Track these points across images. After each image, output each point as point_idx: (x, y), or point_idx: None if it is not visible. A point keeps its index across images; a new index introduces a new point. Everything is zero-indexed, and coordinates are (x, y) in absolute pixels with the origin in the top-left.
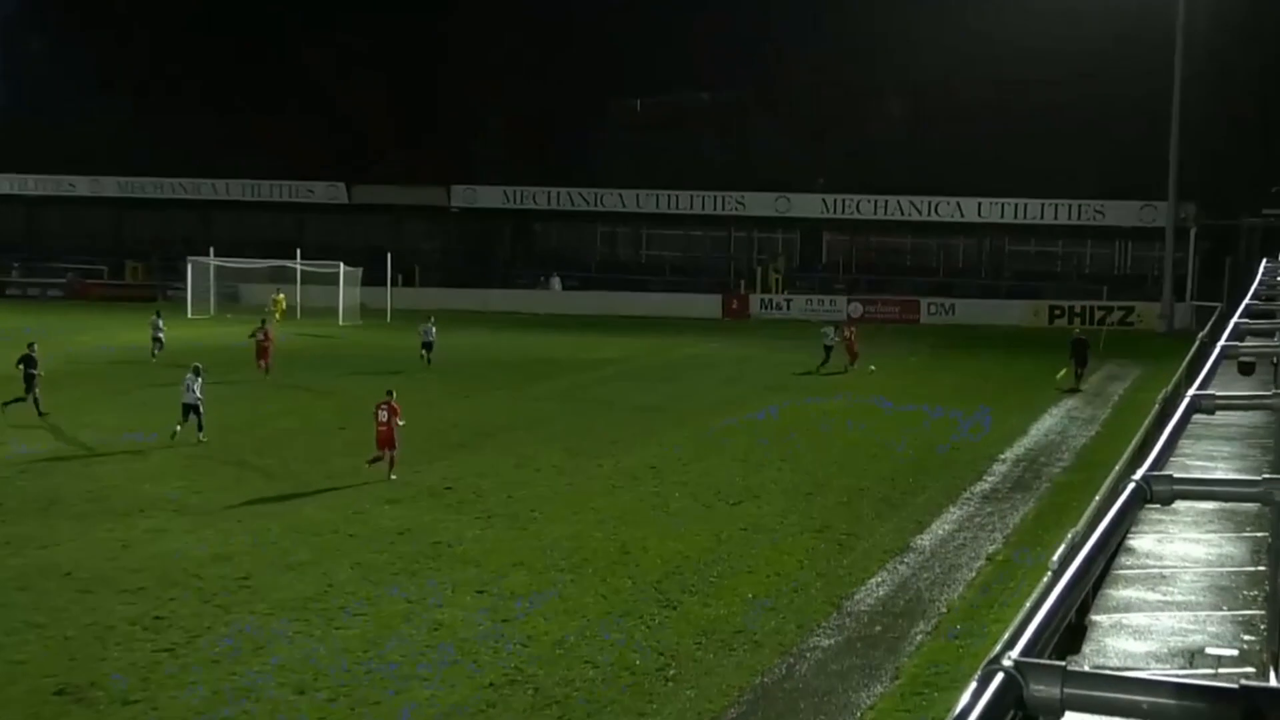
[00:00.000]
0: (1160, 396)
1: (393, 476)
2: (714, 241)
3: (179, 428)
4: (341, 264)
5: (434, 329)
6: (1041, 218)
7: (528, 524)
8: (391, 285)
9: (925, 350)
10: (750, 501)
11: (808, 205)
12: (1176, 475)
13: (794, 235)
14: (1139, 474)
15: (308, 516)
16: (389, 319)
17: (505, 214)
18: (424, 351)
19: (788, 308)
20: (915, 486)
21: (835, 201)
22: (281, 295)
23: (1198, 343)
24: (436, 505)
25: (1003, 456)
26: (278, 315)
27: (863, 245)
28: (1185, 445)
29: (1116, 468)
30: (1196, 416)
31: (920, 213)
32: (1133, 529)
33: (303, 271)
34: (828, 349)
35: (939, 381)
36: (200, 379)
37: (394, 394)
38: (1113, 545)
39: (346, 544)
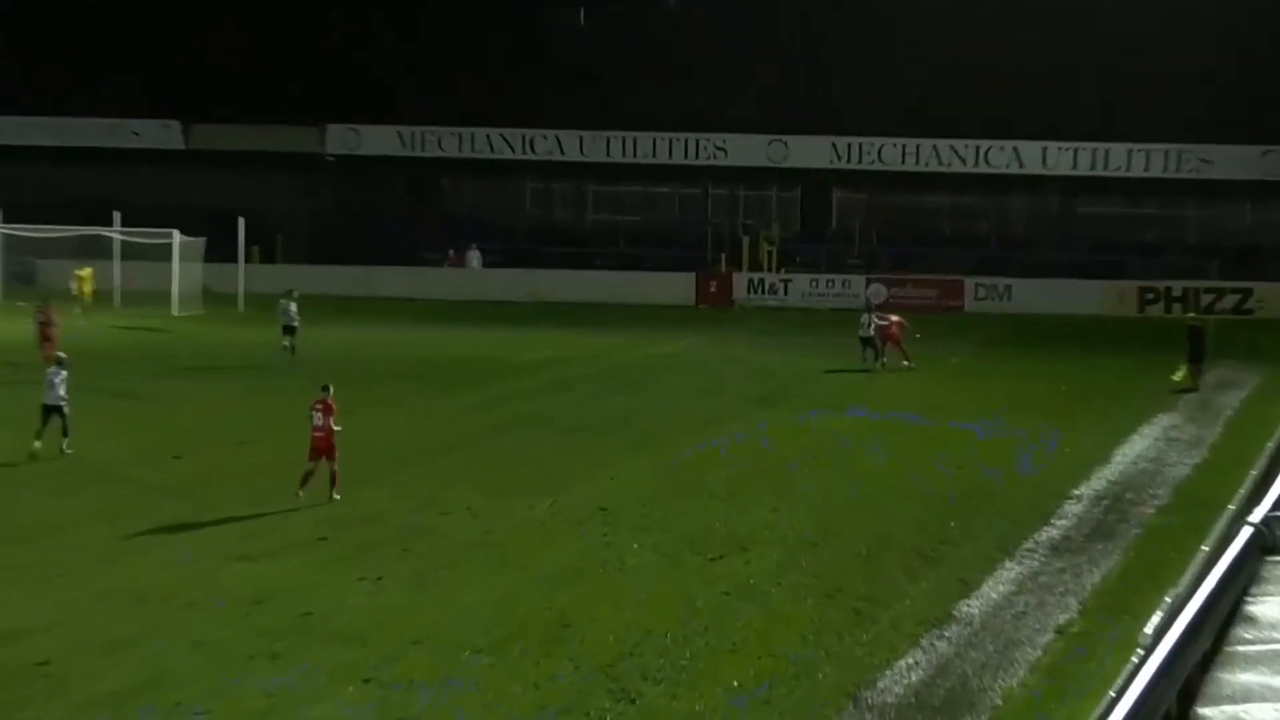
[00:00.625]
0: None
1: (335, 496)
2: (685, 202)
3: (38, 443)
4: (176, 233)
5: (295, 308)
6: (1127, 168)
7: (432, 586)
8: (245, 261)
9: (971, 348)
10: (735, 555)
11: (812, 152)
12: None
13: (793, 193)
14: (1258, 515)
15: (132, 578)
16: (241, 307)
17: (400, 164)
18: (285, 340)
19: (785, 291)
20: (959, 534)
21: (850, 147)
22: (88, 270)
23: None
24: (307, 562)
25: (1077, 493)
26: (84, 296)
27: (887, 207)
28: None
29: (1230, 508)
30: None
31: (965, 162)
32: (1252, 589)
33: (124, 243)
34: (865, 342)
35: (990, 391)
36: (66, 373)
37: (331, 390)
38: (1224, 612)
39: (184, 616)
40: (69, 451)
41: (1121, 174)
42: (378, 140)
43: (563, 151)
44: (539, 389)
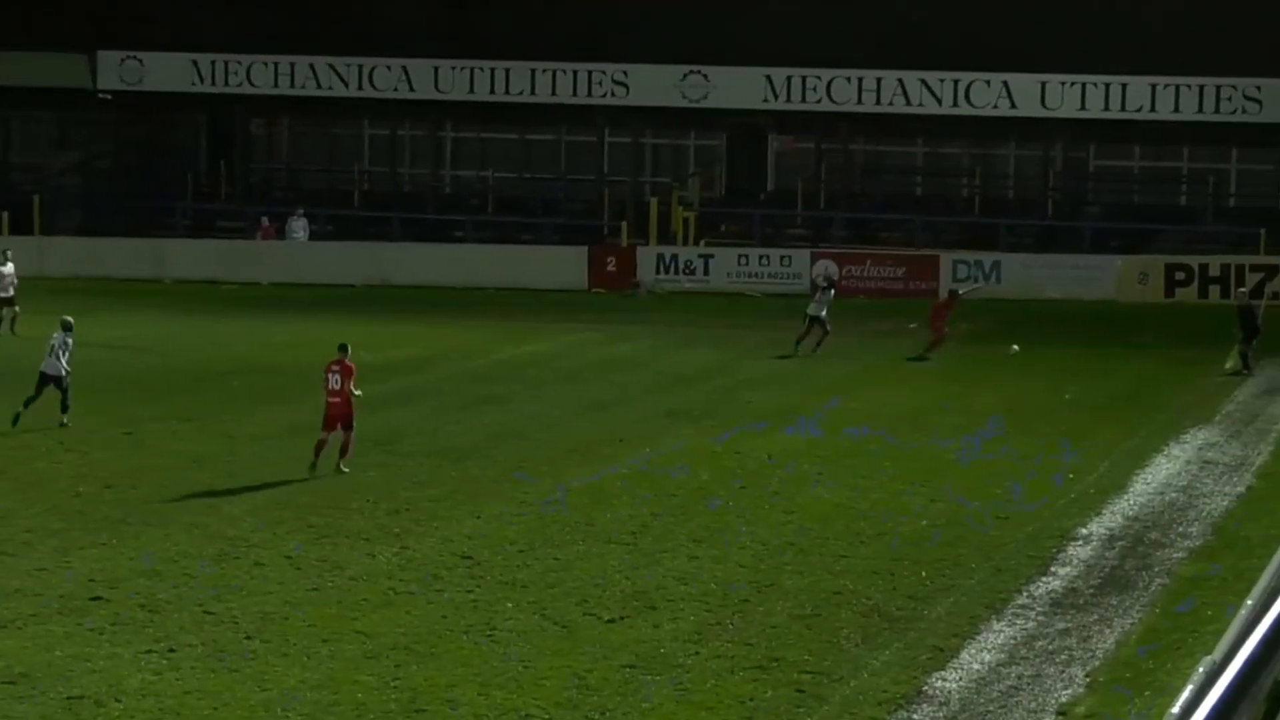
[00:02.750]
0: None
1: (344, 469)
2: (574, 153)
3: (24, 408)
4: None
5: (11, 269)
6: (1151, 109)
7: (240, 661)
8: None
9: (950, 343)
10: (640, 616)
11: (741, 87)
12: None
13: (717, 141)
14: None
15: None
16: None
17: (196, 102)
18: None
19: (705, 270)
20: (933, 587)
21: (790, 82)
22: None
23: None
24: (76, 629)
25: (1085, 531)
26: None
27: (840, 159)
28: None
29: None
30: None
31: (941, 101)
32: None
33: None
34: (813, 320)
35: (974, 400)
36: (71, 339)
37: (349, 349)
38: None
39: None
40: (67, 424)
41: (1143, 115)
42: (166, 72)
43: (412, 87)
44: (381, 400)
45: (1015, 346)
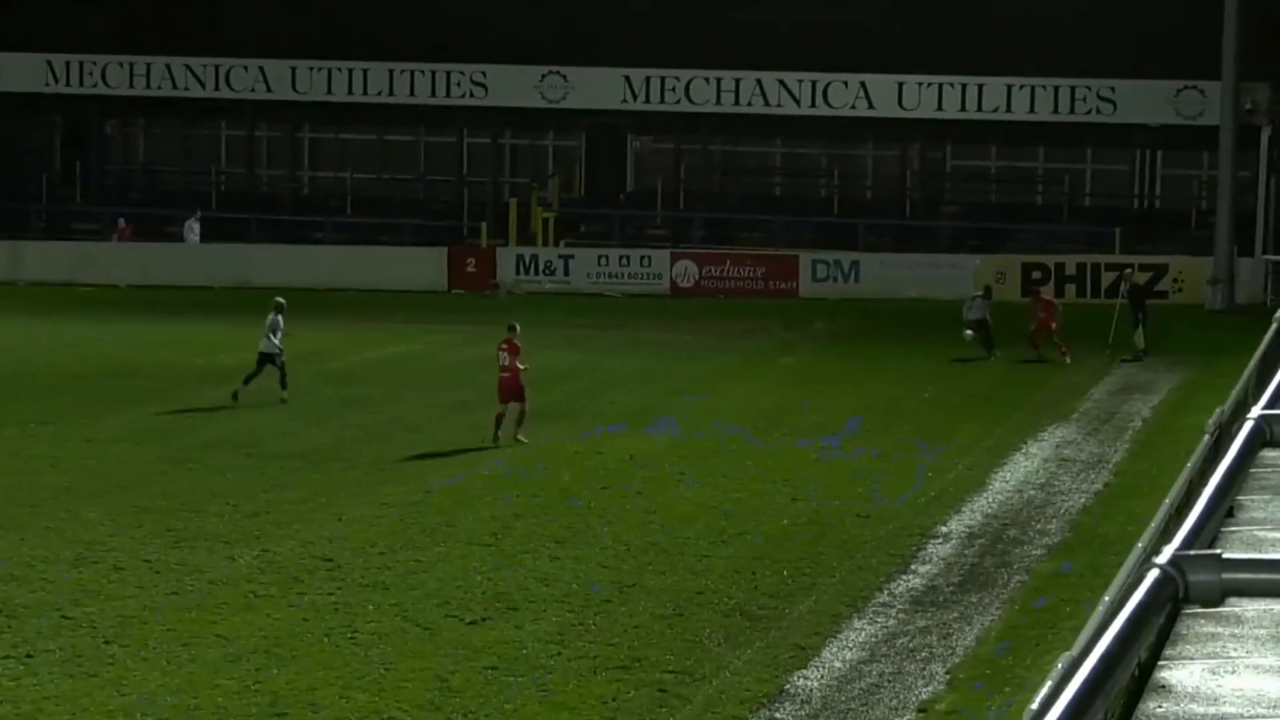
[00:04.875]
0: (1211, 422)
1: (522, 439)
2: (433, 154)
3: (244, 384)
4: None
5: None
6: (1008, 109)
7: (99, 666)
8: None
9: (809, 343)
10: (502, 617)
11: (600, 87)
12: (1231, 556)
13: (576, 141)
14: (1167, 554)
15: None
16: None
17: (50, 103)
18: None
19: (565, 271)
20: (794, 585)
21: (649, 82)
22: None
23: (1275, 326)
24: None
25: (945, 529)
26: None
27: (699, 160)
28: (1254, 504)
29: (1139, 547)
30: (1269, 455)
31: (800, 101)
32: (1166, 650)
33: None
34: (977, 325)
35: (834, 398)
36: (282, 319)
37: (518, 328)
38: (1124, 677)
39: None
40: (286, 399)
41: (1000, 115)
42: (20, 72)
43: (269, 88)
44: (240, 403)
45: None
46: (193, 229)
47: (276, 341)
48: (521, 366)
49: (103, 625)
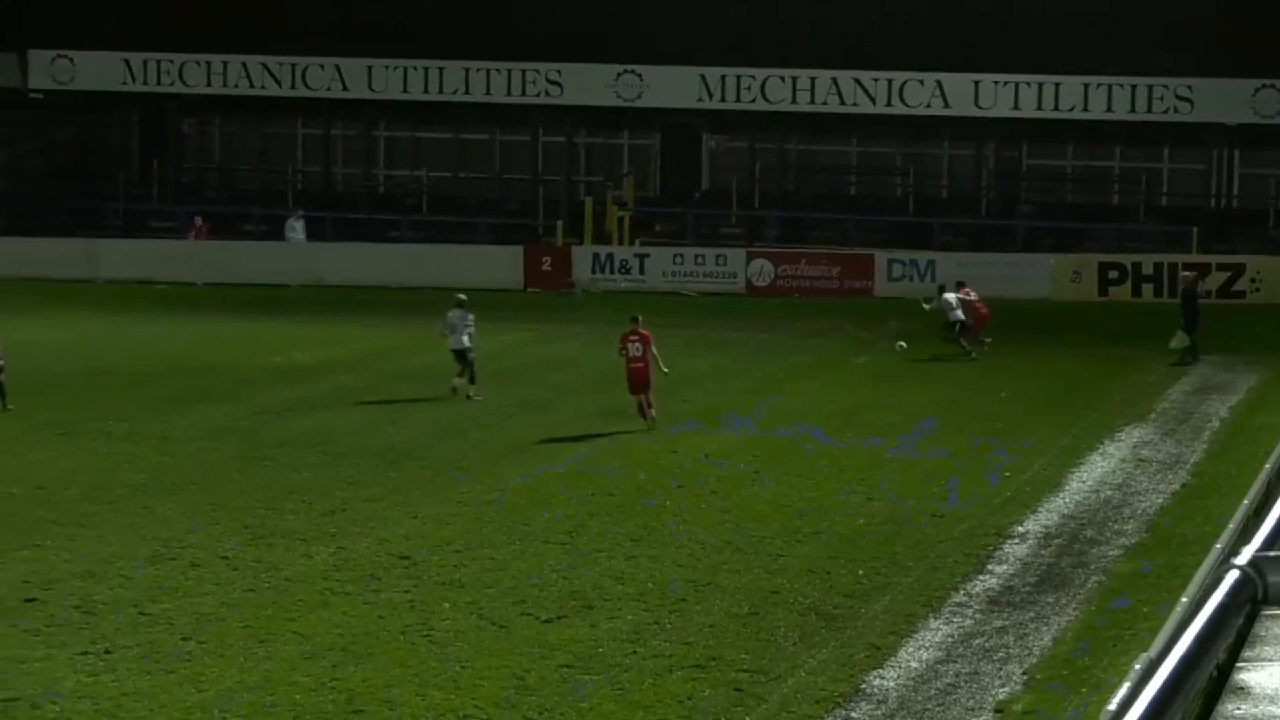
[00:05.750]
0: None
1: (652, 414)
2: (509, 153)
3: (458, 379)
4: None
5: None
6: (1085, 108)
7: (176, 663)
8: None
9: (884, 343)
10: (578, 616)
11: (675, 86)
12: None
13: (651, 140)
14: (1246, 555)
15: None
16: None
17: (128, 101)
18: None
19: (640, 270)
20: (869, 585)
21: (724, 81)
22: None
23: None
24: (10, 631)
25: (1021, 529)
26: None
27: (775, 159)
28: None
29: (1216, 547)
30: None
31: (875, 100)
32: (1245, 652)
33: None
34: (954, 326)
35: (910, 399)
36: (471, 316)
37: (640, 319)
38: (1202, 678)
39: None
40: (478, 399)
41: (1076, 115)
42: (98, 71)
43: (345, 86)
44: (315, 401)
45: (902, 344)
46: (294, 228)
47: (466, 339)
48: (657, 355)
49: (180, 622)
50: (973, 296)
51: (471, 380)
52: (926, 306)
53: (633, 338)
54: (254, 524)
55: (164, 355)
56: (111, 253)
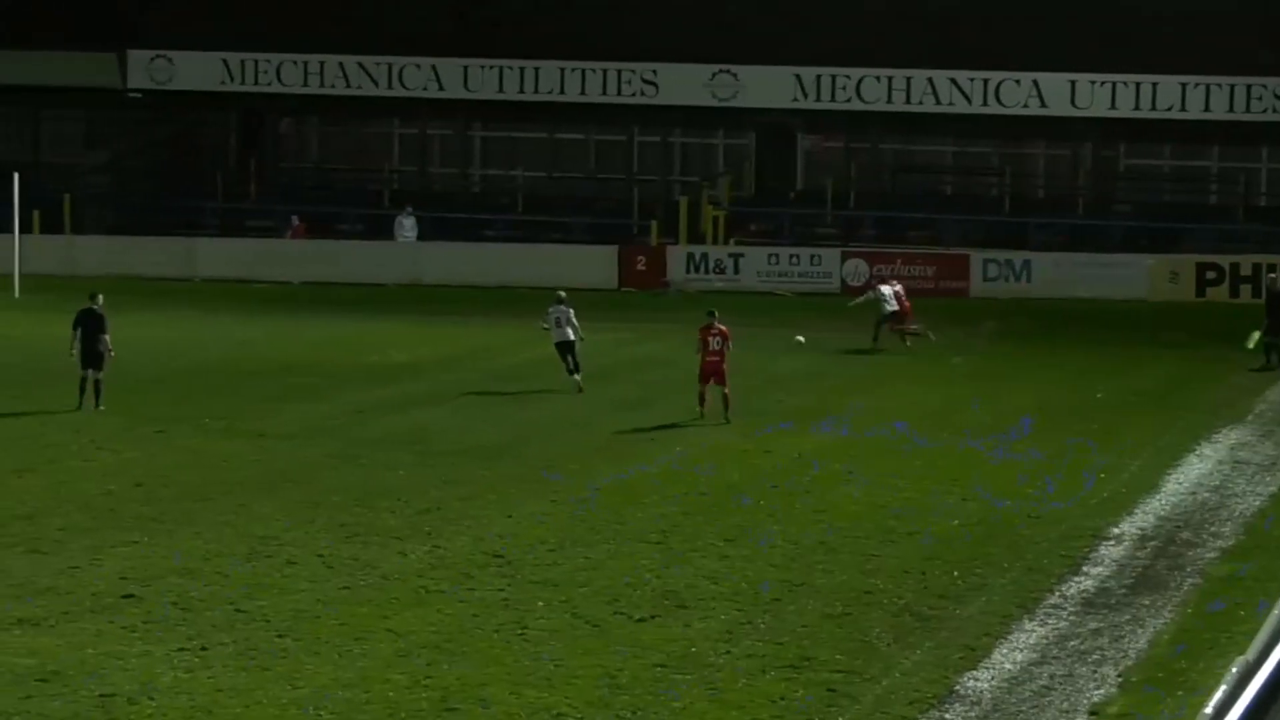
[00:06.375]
0: None
1: (729, 419)
2: (604, 153)
3: (575, 375)
4: None
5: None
6: (1182, 108)
7: (272, 660)
8: (22, 231)
9: (980, 343)
10: (671, 615)
11: (771, 86)
12: None
13: (746, 140)
14: None
15: None
16: (17, 292)
17: (226, 101)
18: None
19: (735, 269)
20: (964, 586)
21: (820, 81)
22: None
23: None
24: (108, 627)
25: (1117, 531)
26: None
27: (870, 159)
28: None
29: None
30: None
31: (971, 100)
32: None
33: None
34: (890, 318)
35: (1006, 398)
36: (570, 308)
37: (717, 313)
38: None
39: None
40: (582, 388)
41: (1174, 115)
42: (196, 70)
43: (441, 86)
44: (410, 400)
45: (800, 338)
46: (403, 225)
47: (570, 331)
48: (729, 348)
49: (276, 619)
50: (900, 291)
51: (576, 370)
52: (851, 305)
53: (713, 332)
54: (349, 522)
55: (261, 354)
56: (209, 252)
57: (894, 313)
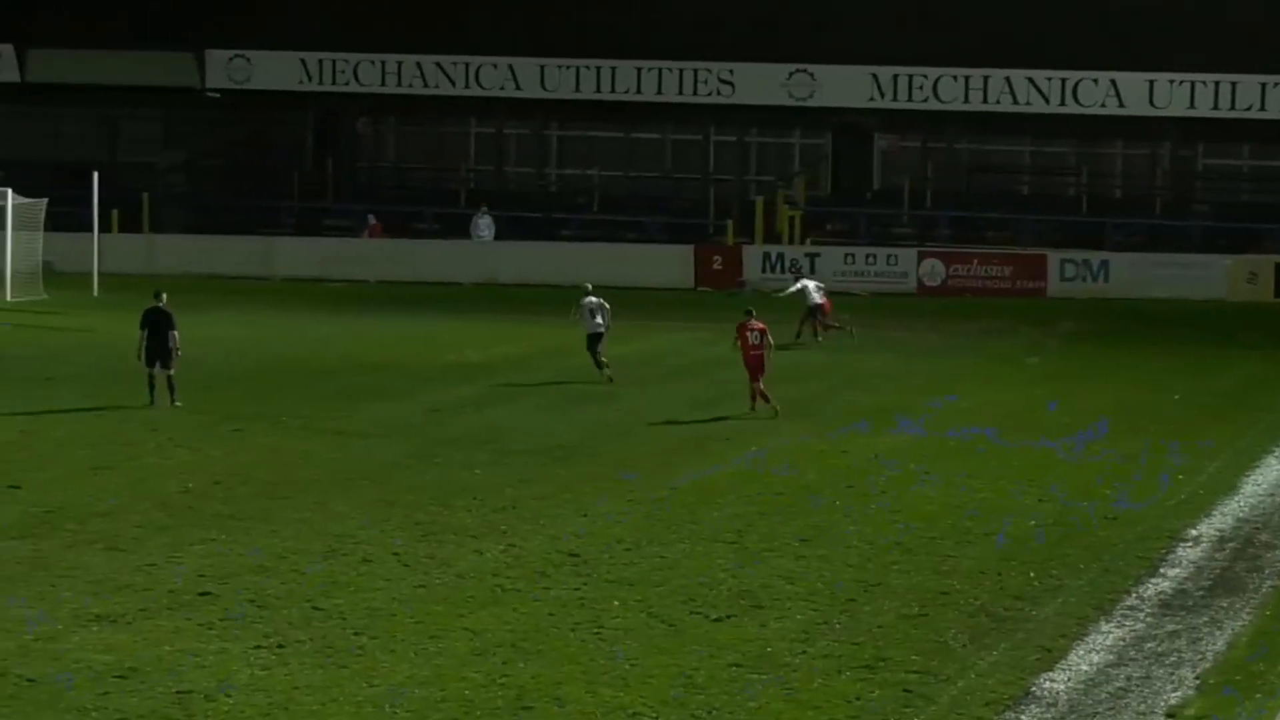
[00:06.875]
0: None
1: (758, 411)
2: (679, 152)
3: (604, 368)
4: (10, 192)
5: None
6: (1261, 107)
7: (349, 657)
8: (101, 230)
9: (1056, 343)
10: (747, 615)
11: (847, 86)
12: None
13: (822, 140)
14: None
15: None
16: (96, 290)
17: (303, 101)
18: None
19: (811, 269)
20: (1040, 587)
21: (896, 80)
22: None
23: None
24: (185, 625)
25: (1195, 532)
26: None
27: (946, 159)
28: None
29: None
30: None
31: (1048, 99)
32: None
33: None
34: (813, 311)
35: (1083, 399)
36: (600, 301)
37: (754, 312)
38: None
39: (19, 699)
40: (610, 377)
41: (1253, 115)
42: (276, 70)
43: (518, 86)
44: (486, 399)
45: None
46: (479, 225)
47: (601, 322)
48: (770, 341)
49: (352, 617)
50: (823, 287)
51: (601, 364)
52: (781, 295)
53: (753, 326)
54: (425, 520)
55: (338, 353)
56: (287, 251)
57: (818, 305)
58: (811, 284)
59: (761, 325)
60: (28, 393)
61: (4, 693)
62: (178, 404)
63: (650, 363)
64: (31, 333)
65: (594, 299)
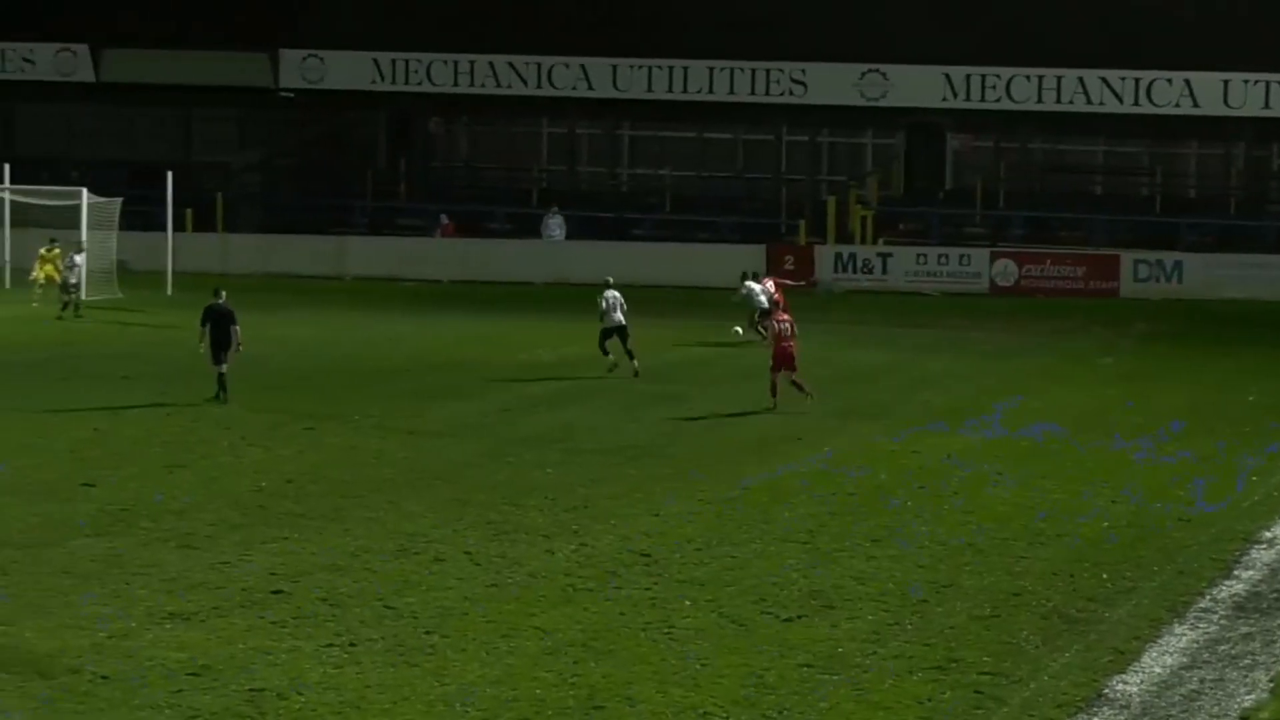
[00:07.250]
0: None
1: (798, 400)
2: (751, 152)
3: (615, 361)
4: (85, 191)
5: (81, 260)
6: None
7: (420, 656)
8: (176, 229)
9: (1130, 344)
10: (818, 615)
11: (920, 86)
12: None
13: (894, 141)
14: None
15: (28, 643)
16: (169, 289)
17: (376, 100)
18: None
19: (883, 269)
20: (1113, 588)
21: (969, 80)
22: (55, 249)
23: None
24: (257, 623)
25: (1269, 534)
26: (45, 281)
27: (1019, 159)
28: None
29: None
30: None
31: (1122, 100)
32: None
33: (12, 203)
34: (763, 314)
35: (1156, 400)
36: (620, 295)
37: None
38: None
39: (93, 695)
40: (638, 372)
41: None
42: (347, 70)
43: (590, 85)
44: (557, 398)
45: (738, 329)
46: (551, 226)
47: (620, 315)
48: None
49: (424, 616)
50: (772, 288)
51: (631, 356)
52: (735, 299)
53: (781, 319)
54: (497, 520)
55: (410, 351)
56: (359, 250)
57: (767, 310)
58: (757, 287)
59: (791, 317)
60: (103, 391)
61: (78, 690)
62: (226, 400)
63: (721, 363)
64: (108, 329)
65: (615, 293)
